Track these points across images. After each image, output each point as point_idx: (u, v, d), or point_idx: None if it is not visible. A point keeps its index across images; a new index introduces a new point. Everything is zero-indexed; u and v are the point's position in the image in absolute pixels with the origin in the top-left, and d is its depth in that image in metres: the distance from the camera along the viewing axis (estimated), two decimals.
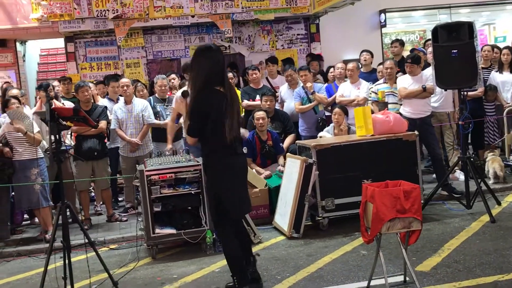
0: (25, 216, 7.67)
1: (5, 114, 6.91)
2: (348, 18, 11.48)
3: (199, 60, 4.20)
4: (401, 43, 9.17)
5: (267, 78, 9.17)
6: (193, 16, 10.47)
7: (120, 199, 8.27)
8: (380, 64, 8.62)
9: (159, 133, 7.57)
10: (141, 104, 7.46)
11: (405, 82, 7.19)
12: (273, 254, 5.54)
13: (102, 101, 8.13)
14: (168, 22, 10.47)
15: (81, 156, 6.86)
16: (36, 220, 7.29)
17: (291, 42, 11.45)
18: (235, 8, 10.51)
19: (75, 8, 10.04)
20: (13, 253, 6.49)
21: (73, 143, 7.32)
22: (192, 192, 5.81)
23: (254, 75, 8.38)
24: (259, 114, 7.25)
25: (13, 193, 6.96)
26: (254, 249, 5.63)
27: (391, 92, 7.62)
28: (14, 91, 7.26)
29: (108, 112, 7.46)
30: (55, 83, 8.41)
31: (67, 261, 4.31)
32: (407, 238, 4.14)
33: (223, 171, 4.25)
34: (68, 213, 4.71)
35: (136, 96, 7.73)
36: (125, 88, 7.40)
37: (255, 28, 11.26)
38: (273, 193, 6.76)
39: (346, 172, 6.09)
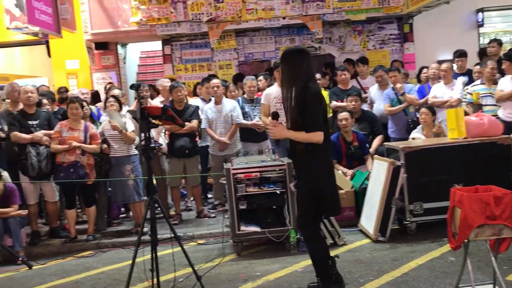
0: (122, 209, 8.10)
1: (105, 112, 7.37)
2: (443, 18, 11.04)
3: (295, 60, 4.22)
4: (499, 43, 8.70)
5: (357, 79, 9.05)
6: (284, 18, 10.55)
7: (209, 196, 8.51)
8: (476, 64, 8.23)
9: (246, 133, 7.71)
10: (230, 105, 7.63)
11: (505, 84, 6.82)
12: (357, 257, 5.46)
13: (195, 101, 8.40)
14: (259, 24, 10.63)
15: (173, 154, 7.17)
16: (131, 214, 7.69)
17: (383, 43, 11.21)
18: (326, 9, 10.46)
19: (171, 12, 10.44)
20: (108, 244, 6.90)
21: (166, 141, 7.62)
22: (277, 192, 5.86)
23: (342, 76, 8.31)
24: (342, 115, 7.18)
25: (110, 188, 7.38)
26: (338, 251, 5.63)
27: (489, 93, 7.25)
28: (116, 91, 7.71)
29: (200, 111, 7.70)
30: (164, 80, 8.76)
31: (154, 254, 4.51)
32: (497, 246, 3.93)
33: (326, 167, 4.27)
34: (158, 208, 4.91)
35: (227, 97, 7.91)
36: (215, 88, 7.61)
37: (346, 29, 11.15)
38: (359, 195, 6.66)
39: (436, 176, 5.86)
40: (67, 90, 9.52)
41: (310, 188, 4.21)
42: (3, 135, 7.16)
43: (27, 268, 6.24)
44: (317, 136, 4.08)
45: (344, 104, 7.89)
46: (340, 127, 7.18)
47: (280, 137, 4.80)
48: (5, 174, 6.90)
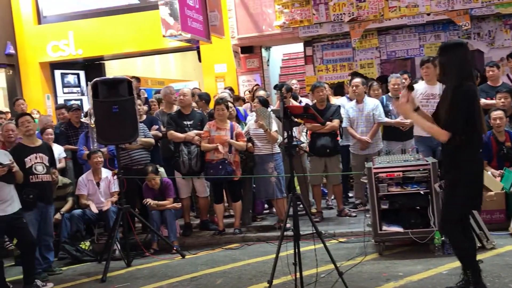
0: (266, 205, 8.42)
1: (252, 113, 7.73)
2: None
3: (451, 54, 4.16)
4: None
5: (507, 75, 8.49)
6: (428, 14, 10.19)
7: (350, 195, 8.52)
8: None
9: (390, 132, 7.61)
10: (372, 103, 7.58)
11: None
12: (507, 262, 5.17)
13: (339, 100, 8.44)
14: (402, 22, 10.38)
15: (314, 153, 7.31)
16: (274, 209, 7.97)
17: None
18: (474, 3, 9.91)
19: (313, 14, 10.60)
20: (253, 238, 7.22)
21: (308, 140, 7.79)
22: (421, 192, 5.74)
23: (491, 72, 7.84)
24: (496, 113, 6.78)
25: (254, 185, 7.72)
26: (486, 255, 5.36)
27: None
28: (261, 92, 8.07)
29: (342, 110, 7.75)
30: (294, 81, 8.97)
31: (296, 249, 4.66)
32: None
33: (478, 165, 4.21)
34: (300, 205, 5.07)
35: (370, 96, 7.88)
36: (354, 88, 7.61)
37: (496, 23, 10.47)
38: (510, 197, 6.27)
39: None
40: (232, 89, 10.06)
41: (462, 185, 4.11)
42: (160, 134, 7.82)
43: (181, 257, 6.76)
44: (443, 136, 4.04)
45: (493, 102, 7.45)
46: (493, 126, 6.80)
47: (402, 113, 4.76)
48: (162, 170, 7.53)
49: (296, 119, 4.55)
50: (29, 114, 6.53)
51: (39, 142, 6.45)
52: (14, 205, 5.74)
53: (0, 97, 12.26)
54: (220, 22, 10.77)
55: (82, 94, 12.05)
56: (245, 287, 5.37)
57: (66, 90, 12.21)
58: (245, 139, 7.38)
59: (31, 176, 6.04)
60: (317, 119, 4.72)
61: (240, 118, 8.18)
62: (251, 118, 7.74)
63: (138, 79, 11.02)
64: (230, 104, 7.65)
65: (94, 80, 6.54)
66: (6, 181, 5.66)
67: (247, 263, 6.25)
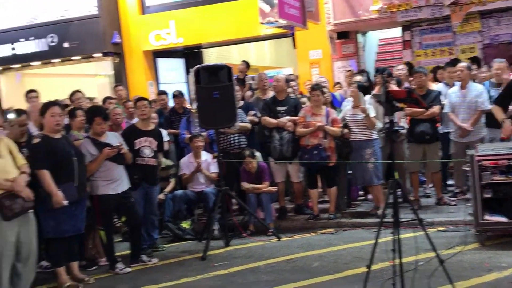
0: (360, 192, 8.38)
1: (348, 99, 7.71)
2: None
3: None
4: None
5: None
6: None
7: (449, 183, 8.28)
8: None
9: (493, 119, 7.27)
10: (476, 90, 7.28)
11: None
12: None
13: (438, 86, 8.21)
14: (508, 4, 9.85)
15: (413, 139, 7.17)
16: (369, 196, 7.92)
17: None
18: None
19: None
20: (348, 224, 7.24)
21: (407, 126, 7.64)
22: None
23: None
24: None
25: (349, 171, 7.71)
26: None
27: None
28: (358, 77, 8.00)
29: (442, 97, 7.53)
30: (400, 66, 8.80)
31: (396, 236, 4.63)
32: None
33: None
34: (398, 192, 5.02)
35: (474, 80, 7.59)
36: (458, 72, 7.35)
37: None
38: None
39: None
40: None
41: None
42: (256, 119, 7.99)
43: (276, 239, 6.92)
44: None
45: None
46: None
47: None
48: (258, 154, 7.71)
49: (398, 104, 4.51)
50: (146, 99, 6.89)
51: (151, 126, 6.81)
52: (123, 185, 6.13)
53: (107, 84, 13.00)
54: (316, 7, 10.75)
55: (183, 82, 12.50)
56: (342, 271, 5.42)
57: (167, 77, 12.73)
58: (341, 125, 7.37)
59: (137, 158, 6.40)
60: (421, 104, 4.65)
61: (335, 104, 8.18)
62: (347, 104, 7.71)
63: (247, 64, 11.26)
64: (325, 90, 7.67)
65: (196, 66, 6.81)
66: (116, 162, 6.04)
67: (343, 248, 6.29)
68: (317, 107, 7.40)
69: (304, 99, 8.19)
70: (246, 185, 7.37)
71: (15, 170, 4.92)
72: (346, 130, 7.37)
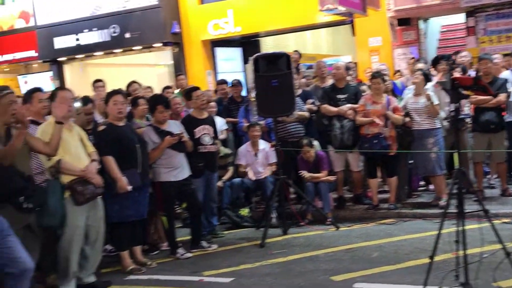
0: (421, 182, 8.19)
1: (410, 87, 7.54)
2: None
3: None
4: None
5: None
6: None
7: None
8: None
9: None
10: None
11: None
12: None
13: (504, 74, 7.91)
14: None
15: (478, 128, 6.94)
16: (431, 186, 7.74)
17: None
18: None
19: None
20: (409, 214, 7.11)
21: (471, 115, 7.40)
22: None
23: None
24: None
25: (411, 161, 7.55)
26: None
27: None
28: (420, 65, 7.81)
29: (508, 84, 7.24)
30: (464, 52, 8.51)
31: (460, 227, 4.51)
32: None
33: None
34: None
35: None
36: None
37: None
38: None
39: None
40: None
41: None
42: (314, 108, 7.94)
43: (335, 228, 6.88)
44: None
45: None
46: None
47: None
48: (316, 143, 7.66)
49: (464, 91, 4.37)
50: (198, 88, 6.98)
51: (205, 114, 6.91)
52: (184, 172, 6.24)
53: (166, 73, 13.25)
54: None
55: (240, 71, 12.57)
56: (402, 262, 5.34)
57: (225, 66, 12.84)
58: (403, 113, 7.22)
59: (199, 147, 6.50)
60: (488, 91, 4.49)
61: (396, 92, 8.02)
62: (409, 92, 7.54)
63: (299, 53, 11.22)
64: (386, 78, 7.53)
65: (255, 55, 6.83)
66: (178, 150, 6.16)
67: (403, 238, 6.19)
68: (378, 95, 7.27)
69: (364, 87, 8.08)
70: (306, 173, 7.35)
71: (86, 157, 5.10)
72: (407, 119, 7.22)
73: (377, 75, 7.35)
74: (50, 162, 4.83)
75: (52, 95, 5.01)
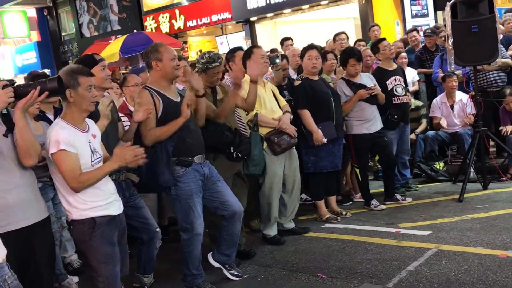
0: None
1: None
2: None
3: None
4: None
5: None
6: None
7: None
8: None
9: None
10: None
11: None
12: None
13: None
14: None
15: None
16: None
17: None
18: None
19: None
20: None
21: None
22: None
23: None
24: None
25: None
26: None
27: None
28: None
29: None
30: None
31: None
32: None
33: None
34: None
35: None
36: None
37: None
38: None
39: None
40: None
41: None
42: None
43: None
44: None
45: None
46: None
47: None
48: None
49: None
50: (385, 39, 6.82)
51: (395, 65, 6.75)
52: (377, 124, 6.22)
53: (352, 26, 13.10)
54: None
55: (430, 19, 11.89)
56: None
57: (414, 15, 12.26)
58: None
59: (393, 98, 6.40)
60: None
61: None
62: None
63: None
64: None
65: (453, 0, 6.42)
66: (370, 102, 6.14)
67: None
68: None
69: None
70: (508, 129, 6.83)
71: (279, 110, 5.38)
72: None
73: None
74: (248, 116, 5.20)
75: (247, 53, 5.26)
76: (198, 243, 4.22)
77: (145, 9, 17.19)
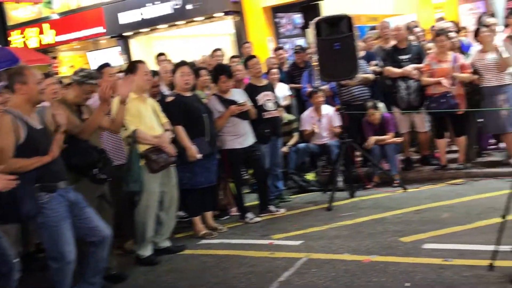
0: (491, 140, 7.95)
1: (476, 43, 7.28)
2: None
3: None
4: None
5: None
6: None
7: None
8: None
9: None
10: None
11: None
12: None
13: None
14: None
15: None
16: (501, 144, 7.51)
17: None
18: None
19: None
20: (479, 174, 6.96)
21: None
22: None
23: None
24: None
25: (480, 119, 7.33)
26: None
27: None
28: (489, 20, 7.50)
29: None
30: None
31: None
32: None
33: None
34: None
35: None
36: None
37: None
38: None
39: None
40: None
41: None
42: (378, 69, 7.82)
43: (402, 190, 6.85)
44: None
45: None
46: None
47: None
48: (381, 105, 7.57)
49: None
50: (254, 57, 7.03)
51: (265, 81, 6.98)
52: (249, 139, 6.36)
53: (229, 43, 13.32)
54: None
55: (301, 37, 12.43)
56: (473, 222, 5.26)
57: (286, 32, 12.73)
58: (470, 70, 7.00)
59: (263, 113, 6.58)
60: None
61: (464, 50, 7.75)
62: (476, 48, 7.27)
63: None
64: (453, 34, 7.29)
65: (317, 18, 6.77)
66: (242, 117, 6.27)
67: (474, 198, 6.09)
68: (443, 53, 7.08)
69: (429, 45, 7.86)
70: (370, 140, 7.29)
71: (160, 128, 5.33)
72: (475, 76, 6.99)
73: (441, 33, 7.15)
74: (126, 132, 5.09)
75: (130, 68, 5.27)
76: (70, 272, 4.00)
77: (10, 23, 16.25)
